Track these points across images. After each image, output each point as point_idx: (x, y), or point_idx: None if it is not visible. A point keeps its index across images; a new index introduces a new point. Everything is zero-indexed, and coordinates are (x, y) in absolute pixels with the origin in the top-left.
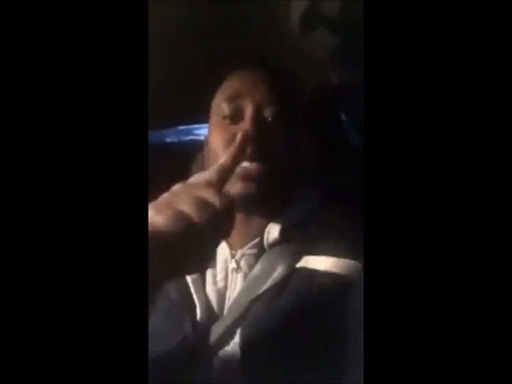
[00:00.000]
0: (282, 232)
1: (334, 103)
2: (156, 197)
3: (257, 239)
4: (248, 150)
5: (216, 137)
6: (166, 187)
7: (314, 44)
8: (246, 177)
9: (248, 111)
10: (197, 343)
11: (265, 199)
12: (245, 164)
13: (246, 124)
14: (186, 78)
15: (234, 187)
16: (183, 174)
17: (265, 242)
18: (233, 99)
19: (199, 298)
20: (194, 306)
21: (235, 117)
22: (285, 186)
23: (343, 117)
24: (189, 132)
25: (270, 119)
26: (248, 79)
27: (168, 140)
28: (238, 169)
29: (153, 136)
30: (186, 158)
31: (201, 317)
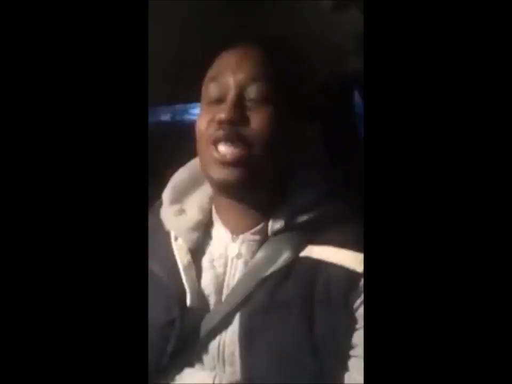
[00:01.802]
0: (287, 220)
1: (348, 91)
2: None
3: (261, 225)
4: (225, 132)
5: (200, 119)
6: (163, 164)
7: (338, 29)
8: (223, 162)
9: (230, 91)
10: (187, 328)
11: (253, 185)
12: (222, 148)
13: (225, 106)
14: (187, 56)
15: (215, 172)
16: (178, 152)
17: (269, 230)
18: (219, 79)
19: (189, 286)
20: (185, 293)
21: (220, 97)
22: (282, 172)
23: (358, 107)
24: (185, 111)
25: (253, 99)
26: (237, 56)
27: (163, 118)
28: (216, 155)
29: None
30: (180, 137)
31: (191, 304)
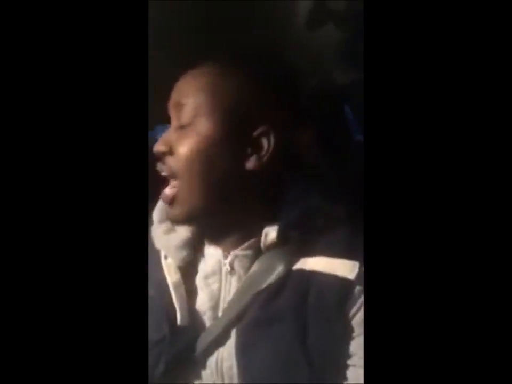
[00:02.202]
0: (280, 234)
1: (338, 99)
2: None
3: (252, 240)
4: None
5: None
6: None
7: (321, 39)
8: (167, 201)
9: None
10: (181, 346)
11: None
12: (166, 190)
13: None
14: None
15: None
16: None
17: (262, 244)
18: (172, 105)
19: (179, 304)
20: (175, 312)
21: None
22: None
23: (349, 115)
24: None
25: (183, 125)
26: (179, 81)
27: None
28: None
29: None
30: None
31: (181, 322)
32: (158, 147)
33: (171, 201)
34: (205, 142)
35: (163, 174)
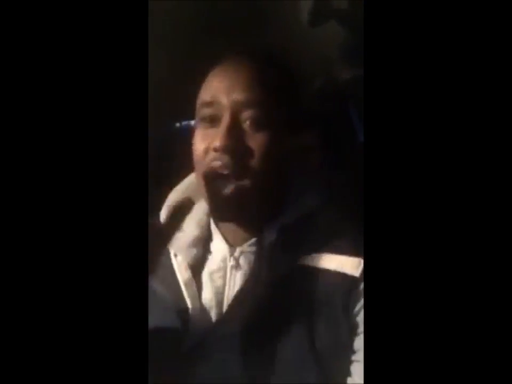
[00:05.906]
0: (280, 230)
1: (342, 98)
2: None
3: (257, 237)
4: (222, 164)
5: (196, 140)
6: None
7: (323, 38)
8: (223, 199)
9: (225, 116)
10: (191, 343)
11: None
12: (221, 183)
13: (220, 132)
14: (187, 74)
15: (216, 207)
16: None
17: (264, 241)
18: (210, 100)
19: (191, 302)
20: (187, 310)
21: (213, 119)
22: (281, 185)
23: (353, 113)
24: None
25: (248, 122)
26: (228, 75)
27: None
28: (216, 190)
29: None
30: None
31: (194, 319)
32: (228, 141)
33: (237, 195)
34: (273, 138)
35: (223, 171)
